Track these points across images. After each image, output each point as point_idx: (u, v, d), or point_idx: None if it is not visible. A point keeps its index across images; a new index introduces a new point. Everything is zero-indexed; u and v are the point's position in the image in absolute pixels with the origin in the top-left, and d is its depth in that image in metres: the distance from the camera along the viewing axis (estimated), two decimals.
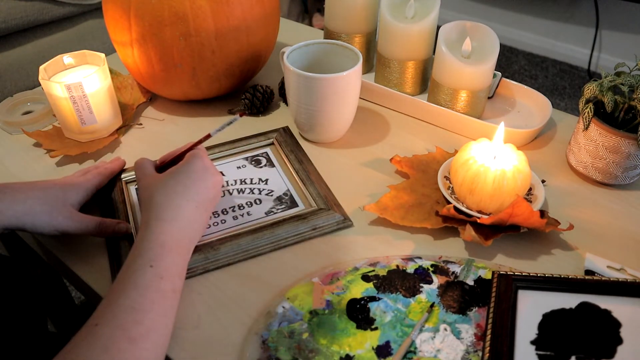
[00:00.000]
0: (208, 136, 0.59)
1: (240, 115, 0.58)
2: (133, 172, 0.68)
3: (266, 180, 0.67)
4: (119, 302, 0.44)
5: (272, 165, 0.70)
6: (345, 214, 0.62)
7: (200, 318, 0.52)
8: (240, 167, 0.70)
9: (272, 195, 0.65)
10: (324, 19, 0.85)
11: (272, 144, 0.74)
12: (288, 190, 0.66)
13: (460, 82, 0.73)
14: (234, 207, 0.64)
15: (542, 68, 2.17)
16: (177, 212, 0.52)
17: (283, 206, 0.63)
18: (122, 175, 0.68)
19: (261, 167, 0.70)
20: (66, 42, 1.38)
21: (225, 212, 0.63)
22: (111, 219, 0.60)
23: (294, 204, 0.64)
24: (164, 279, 0.47)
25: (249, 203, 0.64)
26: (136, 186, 0.67)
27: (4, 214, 0.53)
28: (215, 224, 0.61)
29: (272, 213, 0.62)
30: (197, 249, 0.56)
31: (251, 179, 0.67)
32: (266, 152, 0.72)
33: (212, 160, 0.71)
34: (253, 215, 0.62)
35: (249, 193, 0.65)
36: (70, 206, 0.57)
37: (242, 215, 0.62)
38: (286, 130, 0.75)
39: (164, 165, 0.60)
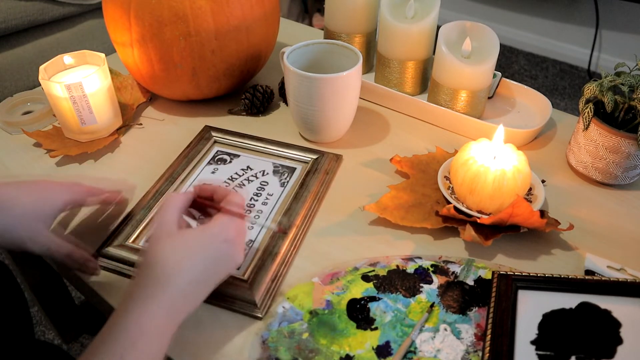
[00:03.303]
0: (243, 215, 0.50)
1: (280, 231, 0.57)
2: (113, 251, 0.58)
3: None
4: None
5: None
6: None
7: (201, 318, 0.52)
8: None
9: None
10: (324, 19, 0.85)
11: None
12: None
13: (460, 82, 0.73)
14: None
15: (542, 68, 2.17)
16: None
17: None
18: (101, 250, 0.58)
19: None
20: (66, 42, 1.38)
21: None
22: (83, 251, 0.54)
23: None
24: None
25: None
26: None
27: None
28: None
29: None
30: None
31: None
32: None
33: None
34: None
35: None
36: (42, 224, 0.52)
37: None
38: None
39: (197, 205, 0.52)
